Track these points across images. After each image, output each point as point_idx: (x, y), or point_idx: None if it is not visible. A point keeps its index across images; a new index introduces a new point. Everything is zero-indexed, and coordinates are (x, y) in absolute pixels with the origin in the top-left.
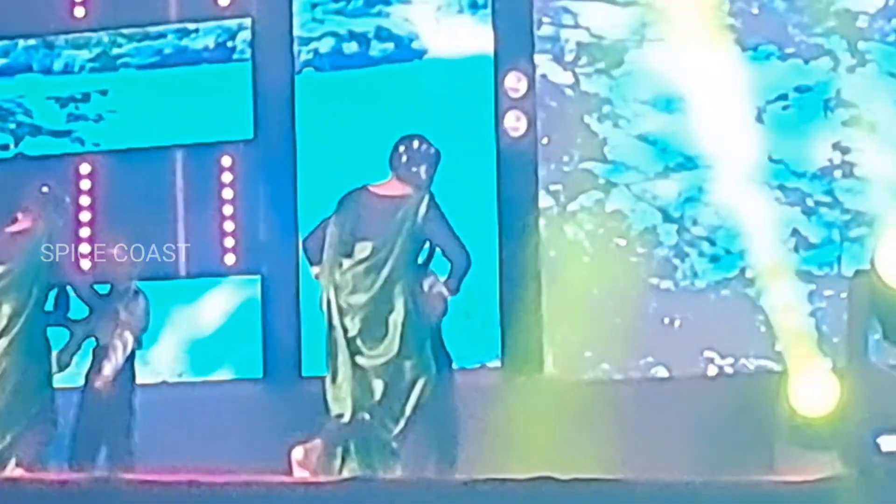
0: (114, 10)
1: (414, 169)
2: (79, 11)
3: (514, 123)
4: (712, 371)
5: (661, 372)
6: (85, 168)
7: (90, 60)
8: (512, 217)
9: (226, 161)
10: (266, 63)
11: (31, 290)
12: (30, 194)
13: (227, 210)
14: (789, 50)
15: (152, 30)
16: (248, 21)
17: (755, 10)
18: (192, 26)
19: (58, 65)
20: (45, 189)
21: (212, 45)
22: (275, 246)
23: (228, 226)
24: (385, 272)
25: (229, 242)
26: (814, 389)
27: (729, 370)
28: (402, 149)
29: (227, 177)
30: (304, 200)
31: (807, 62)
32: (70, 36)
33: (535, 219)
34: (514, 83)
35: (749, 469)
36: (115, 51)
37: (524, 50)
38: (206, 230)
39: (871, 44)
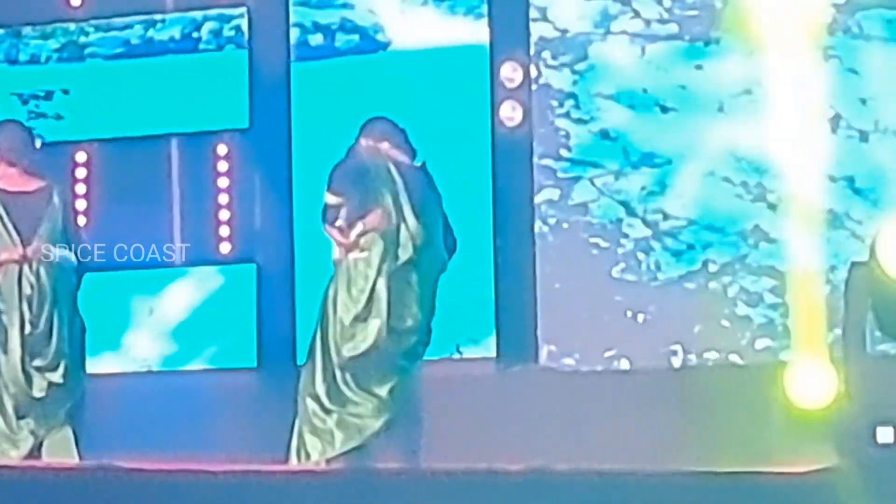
0: (109, 1)
1: None
2: (75, 1)
3: (510, 113)
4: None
5: (624, 364)
6: (81, 156)
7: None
8: (507, 207)
9: (221, 150)
10: (262, 52)
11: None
12: (27, 151)
13: (223, 199)
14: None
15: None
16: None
17: (718, 4)
18: (158, 17)
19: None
20: (38, 144)
21: (178, 36)
22: (270, 235)
23: (224, 214)
24: None
25: (224, 231)
26: (810, 380)
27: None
28: None
29: (222, 165)
30: (300, 189)
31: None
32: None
33: (530, 209)
34: (510, 73)
35: (745, 460)
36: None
37: (520, 40)
38: (202, 219)
39: (835, 38)
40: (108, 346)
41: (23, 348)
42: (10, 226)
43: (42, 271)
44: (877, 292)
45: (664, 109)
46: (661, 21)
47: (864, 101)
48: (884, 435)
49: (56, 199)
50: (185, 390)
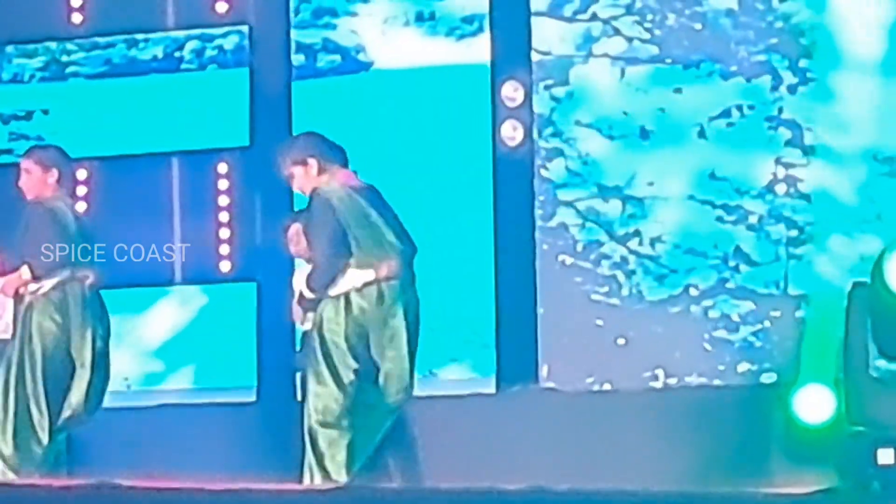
0: (111, 18)
1: None
2: (76, 18)
3: (511, 133)
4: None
5: (607, 387)
6: (81, 174)
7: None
8: (508, 226)
9: (222, 168)
10: (263, 70)
11: None
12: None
13: (223, 217)
14: (732, 68)
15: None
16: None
17: (698, 27)
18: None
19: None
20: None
21: (160, 55)
22: (271, 253)
23: (224, 233)
24: None
25: (225, 249)
26: (811, 402)
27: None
28: None
29: (223, 184)
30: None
31: (749, 80)
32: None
33: (531, 228)
34: (511, 92)
35: (749, 481)
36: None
37: (521, 59)
38: (202, 237)
39: (813, 61)
40: None
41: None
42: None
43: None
44: (878, 313)
45: (644, 134)
46: (643, 41)
47: (843, 124)
48: (884, 456)
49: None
50: (183, 409)
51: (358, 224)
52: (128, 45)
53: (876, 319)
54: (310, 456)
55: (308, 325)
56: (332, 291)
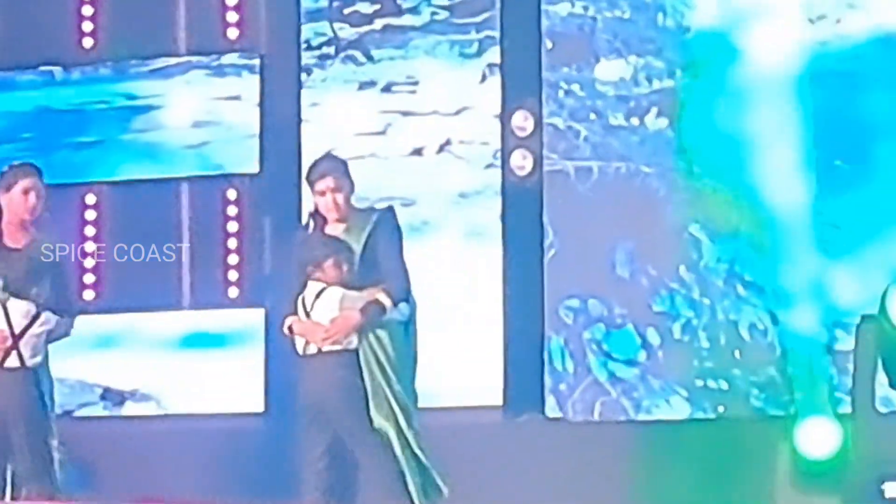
0: (121, 43)
1: None
2: (87, 42)
3: (521, 162)
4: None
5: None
6: (90, 198)
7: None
8: (517, 255)
9: (231, 194)
10: (273, 96)
11: None
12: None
13: (232, 243)
14: None
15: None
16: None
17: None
18: None
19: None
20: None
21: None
22: (279, 279)
23: (233, 259)
24: None
25: (233, 276)
26: (818, 435)
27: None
28: None
29: (232, 210)
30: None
31: None
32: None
33: (540, 257)
34: (521, 122)
35: None
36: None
37: (532, 89)
38: (211, 263)
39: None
40: (112, 389)
41: None
42: None
43: None
44: (886, 347)
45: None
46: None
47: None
48: (891, 490)
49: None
50: (192, 434)
51: None
52: (137, 70)
53: (883, 353)
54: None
55: (353, 344)
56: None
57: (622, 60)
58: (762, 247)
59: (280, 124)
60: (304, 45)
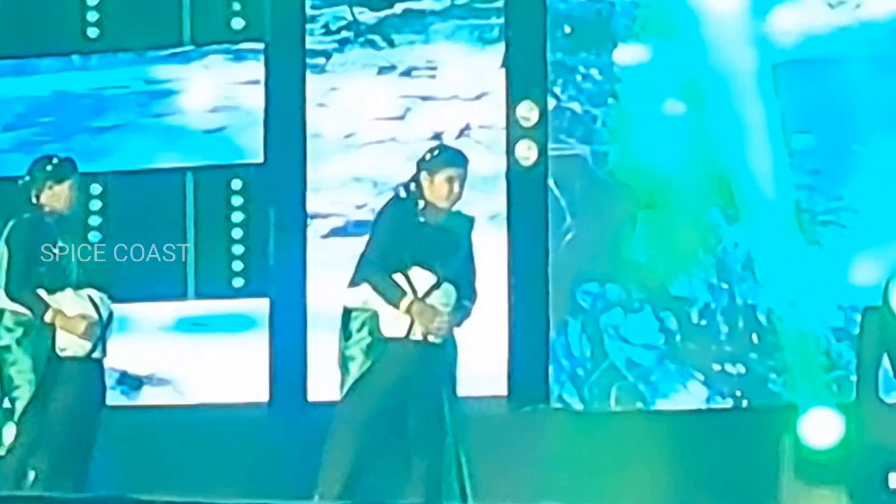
0: (126, 32)
1: None
2: (92, 32)
3: (526, 153)
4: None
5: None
6: (95, 189)
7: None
8: (522, 246)
9: (236, 184)
10: (277, 86)
11: None
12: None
13: (237, 233)
14: None
15: None
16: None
17: None
18: None
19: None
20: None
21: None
22: (284, 269)
23: (237, 249)
24: None
25: (238, 265)
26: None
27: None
28: None
29: (237, 200)
30: (314, 224)
31: None
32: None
33: (545, 247)
34: (526, 112)
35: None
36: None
37: (537, 79)
38: (215, 253)
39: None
40: (116, 380)
41: None
42: None
43: None
44: (890, 338)
45: None
46: None
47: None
48: None
49: None
50: (195, 425)
51: None
52: (143, 60)
53: (887, 344)
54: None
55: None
56: None
57: (640, 45)
58: (781, 231)
59: (285, 113)
60: (323, 30)
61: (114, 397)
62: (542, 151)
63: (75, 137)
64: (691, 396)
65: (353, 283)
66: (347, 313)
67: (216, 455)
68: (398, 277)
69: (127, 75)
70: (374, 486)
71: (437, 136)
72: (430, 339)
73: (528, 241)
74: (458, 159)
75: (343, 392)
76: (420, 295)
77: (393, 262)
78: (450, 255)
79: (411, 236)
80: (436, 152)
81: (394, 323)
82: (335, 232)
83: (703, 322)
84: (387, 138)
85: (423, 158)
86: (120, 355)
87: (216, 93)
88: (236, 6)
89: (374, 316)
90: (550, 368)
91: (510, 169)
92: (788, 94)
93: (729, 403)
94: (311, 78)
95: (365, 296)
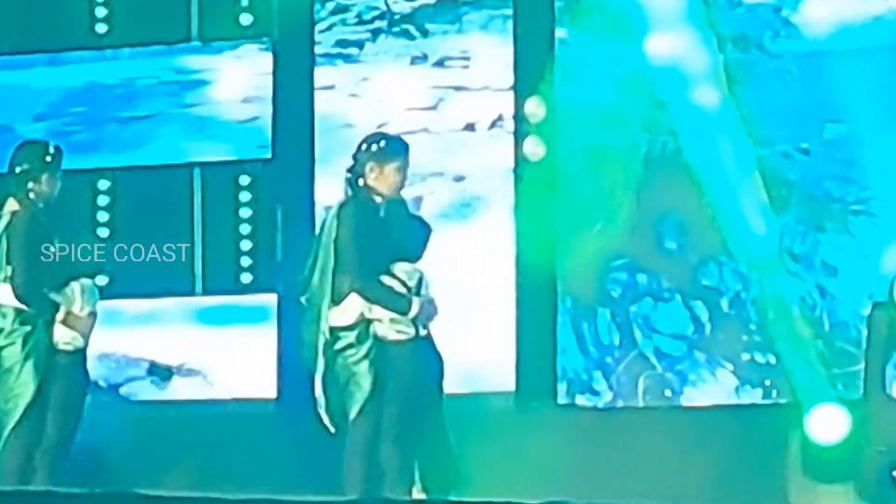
0: (134, 28)
1: None
2: (100, 28)
3: (534, 149)
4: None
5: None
6: (103, 184)
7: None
8: (530, 241)
9: (244, 180)
10: (285, 82)
11: None
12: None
13: (245, 229)
14: None
15: None
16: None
17: None
18: None
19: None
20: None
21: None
22: (292, 265)
23: (245, 245)
24: None
25: (246, 261)
26: (829, 421)
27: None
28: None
29: (244, 196)
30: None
31: None
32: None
33: (552, 242)
34: (534, 108)
35: (763, 499)
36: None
37: (545, 75)
38: (223, 249)
39: None
40: (127, 375)
41: None
42: None
43: None
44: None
45: None
46: None
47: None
48: None
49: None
50: (204, 420)
51: None
52: (150, 56)
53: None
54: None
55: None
56: None
57: (672, 34)
58: (811, 220)
59: (293, 110)
60: (356, 19)
61: (144, 388)
62: (550, 147)
63: (105, 127)
64: (720, 386)
65: (337, 298)
66: (334, 334)
67: (222, 450)
68: (388, 280)
69: (158, 66)
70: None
71: (470, 127)
72: (423, 331)
73: (535, 236)
74: (403, 148)
75: (356, 410)
76: (415, 291)
77: (375, 264)
78: (414, 243)
79: (379, 233)
80: (382, 143)
81: (399, 326)
82: None
83: (733, 312)
84: (419, 128)
85: (367, 150)
86: (146, 347)
87: (249, 83)
88: (244, 1)
89: (367, 323)
90: (579, 357)
91: (518, 163)
92: (821, 83)
93: (759, 393)
94: (343, 67)
95: (357, 308)
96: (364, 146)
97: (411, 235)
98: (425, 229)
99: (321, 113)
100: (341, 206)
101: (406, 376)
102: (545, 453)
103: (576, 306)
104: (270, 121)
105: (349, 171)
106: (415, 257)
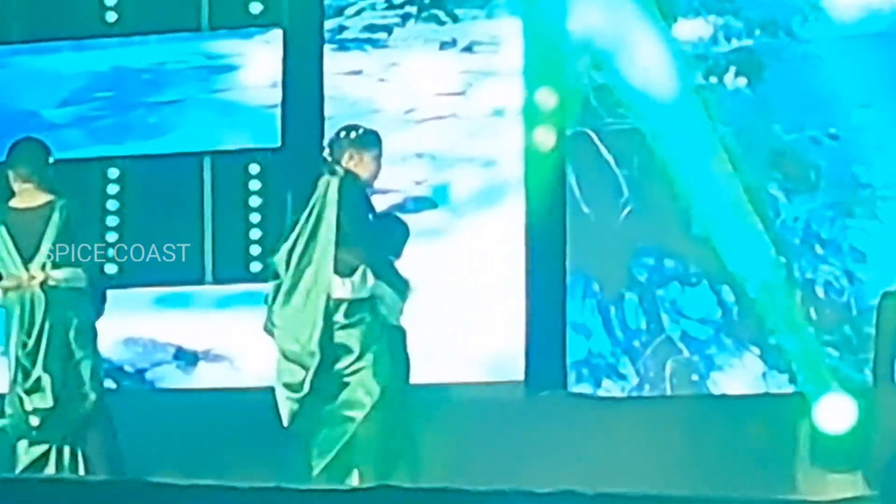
0: (144, 17)
1: None
2: (110, 16)
3: (543, 138)
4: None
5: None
6: (113, 173)
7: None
8: (539, 230)
9: (253, 169)
10: (295, 71)
11: None
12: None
13: (254, 218)
14: None
15: None
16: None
17: None
18: None
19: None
20: (51, 160)
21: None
22: None
23: (255, 233)
24: None
25: (255, 250)
26: (838, 410)
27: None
28: None
29: (254, 184)
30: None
31: None
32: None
33: (562, 231)
34: (544, 98)
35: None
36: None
37: (555, 65)
38: (233, 237)
39: None
40: (138, 364)
41: (16, 370)
42: (12, 246)
43: (39, 293)
44: None
45: None
46: None
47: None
48: None
49: (55, 215)
50: (212, 408)
51: None
52: (159, 45)
53: None
54: None
55: None
56: None
57: (700, 19)
58: (840, 206)
59: (302, 98)
60: (385, 4)
61: (169, 373)
62: (560, 137)
63: (132, 112)
64: (747, 371)
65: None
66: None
67: (230, 439)
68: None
69: (186, 50)
70: None
71: (499, 112)
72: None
73: (546, 225)
74: (378, 139)
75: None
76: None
77: (383, 242)
78: (397, 239)
79: (374, 218)
80: (360, 131)
81: (394, 310)
82: (395, 208)
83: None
84: (447, 114)
85: (346, 137)
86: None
87: (277, 68)
88: None
89: (375, 300)
90: (606, 341)
91: (528, 153)
92: (850, 68)
93: (785, 378)
94: (372, 53)
95: (369, 283)
96: (343, 133)
97: (395, 230)
98: (406, 229)
99: (351, 98)
100: (341, 180)
101: (392, 360)
102: (554, 444)
103: (603, 290)
104: (280, 109)
105: (329, 155)
106: (396, 255)
